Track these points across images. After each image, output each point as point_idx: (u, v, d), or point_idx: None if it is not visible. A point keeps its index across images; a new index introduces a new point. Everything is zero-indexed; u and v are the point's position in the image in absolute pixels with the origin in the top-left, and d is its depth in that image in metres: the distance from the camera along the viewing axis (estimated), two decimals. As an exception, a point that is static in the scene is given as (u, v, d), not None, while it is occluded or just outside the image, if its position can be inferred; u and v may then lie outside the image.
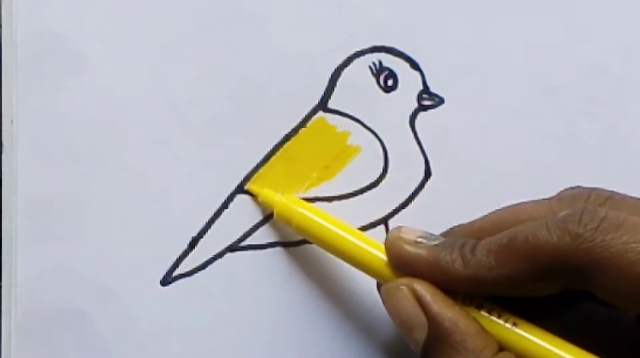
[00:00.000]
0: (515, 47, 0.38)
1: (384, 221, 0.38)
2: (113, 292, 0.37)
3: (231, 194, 0.37)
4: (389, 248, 0.33)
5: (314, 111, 0.38)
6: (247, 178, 0.37)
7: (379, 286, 0.34)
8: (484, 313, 0.31)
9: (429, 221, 0.38)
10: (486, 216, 0.34)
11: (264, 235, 0.37)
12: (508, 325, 0.31)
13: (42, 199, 0.37)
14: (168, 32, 0.37)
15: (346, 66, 0.38)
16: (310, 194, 0.38)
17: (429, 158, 0.38)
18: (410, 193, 0.38)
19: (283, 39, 0.37)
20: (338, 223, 0.35)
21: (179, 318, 0.37)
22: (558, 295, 0.31)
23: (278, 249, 0.38)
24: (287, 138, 0.37)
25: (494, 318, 0.31)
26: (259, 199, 0.37)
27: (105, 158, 0.37)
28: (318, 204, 0.37)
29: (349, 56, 0.38)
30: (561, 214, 0.30)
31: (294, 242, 0.37)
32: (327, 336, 0.38)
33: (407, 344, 0.32)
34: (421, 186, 0.38)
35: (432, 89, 0.38)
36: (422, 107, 0.38)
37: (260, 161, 0.37)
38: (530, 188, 0.37)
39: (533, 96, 0.38)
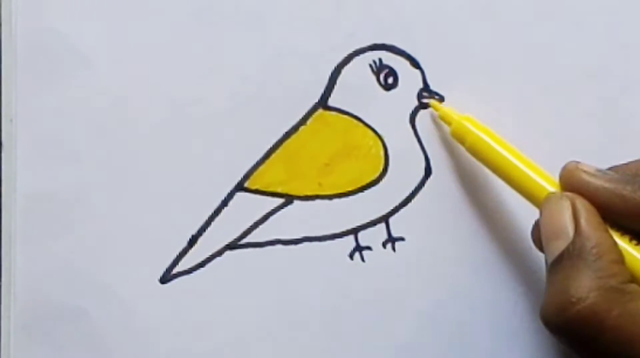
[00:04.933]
0: (515, 47, 0.38)
1: (385, 219, 0.38)
2: (112, 290, 0.37)
3: (231, 192, 0.37)
4: (566, 176, 0.33)
5: (314, 109, 0.37)
6: (247, 176, 0.37)
7: (533, 235, 0.35)
8: None
9: (430, 219, 0.38)
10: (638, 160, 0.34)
11: (263, 233, 0.37)
12: None
13: (41, 198, 0.37)
14: (168, 30, 0.37)
15: (346, 64, 0.38)
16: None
17: (430, 156, 0.38)
18: (411, 191, 0.38)
19: (283, 37, 0.37)
20: (511, 150, 0.35)
21: (178, 315, 0.37)
22: None
23: (278, 247, 0.37)
24: (287, 135, 0.37)
25: None
26: (438, 114, 0.37)
27: (104, 156, 0.37)
28: (318, 201, 0.37)
29: (349, 53, 0.38)
30: None
31: (294, 240, 0.37)
32: (325, 334, 0.38)
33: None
34: (421, 184, 0.38)
35: (433, 87, 0.38)
36: (422, 105, 0.38)
37: (260, 159, 0.37)
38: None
39: (533, 95, 0.38)
